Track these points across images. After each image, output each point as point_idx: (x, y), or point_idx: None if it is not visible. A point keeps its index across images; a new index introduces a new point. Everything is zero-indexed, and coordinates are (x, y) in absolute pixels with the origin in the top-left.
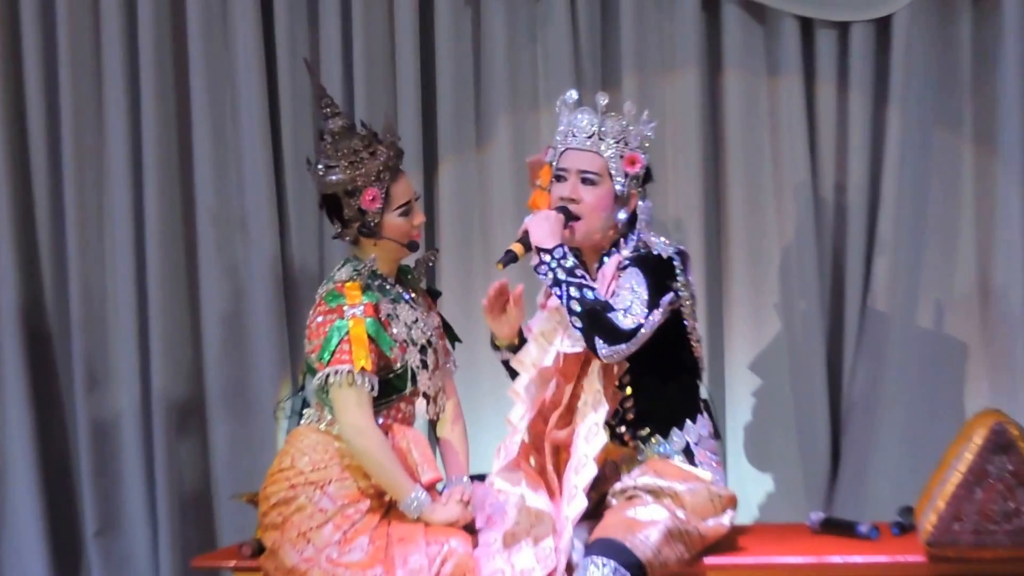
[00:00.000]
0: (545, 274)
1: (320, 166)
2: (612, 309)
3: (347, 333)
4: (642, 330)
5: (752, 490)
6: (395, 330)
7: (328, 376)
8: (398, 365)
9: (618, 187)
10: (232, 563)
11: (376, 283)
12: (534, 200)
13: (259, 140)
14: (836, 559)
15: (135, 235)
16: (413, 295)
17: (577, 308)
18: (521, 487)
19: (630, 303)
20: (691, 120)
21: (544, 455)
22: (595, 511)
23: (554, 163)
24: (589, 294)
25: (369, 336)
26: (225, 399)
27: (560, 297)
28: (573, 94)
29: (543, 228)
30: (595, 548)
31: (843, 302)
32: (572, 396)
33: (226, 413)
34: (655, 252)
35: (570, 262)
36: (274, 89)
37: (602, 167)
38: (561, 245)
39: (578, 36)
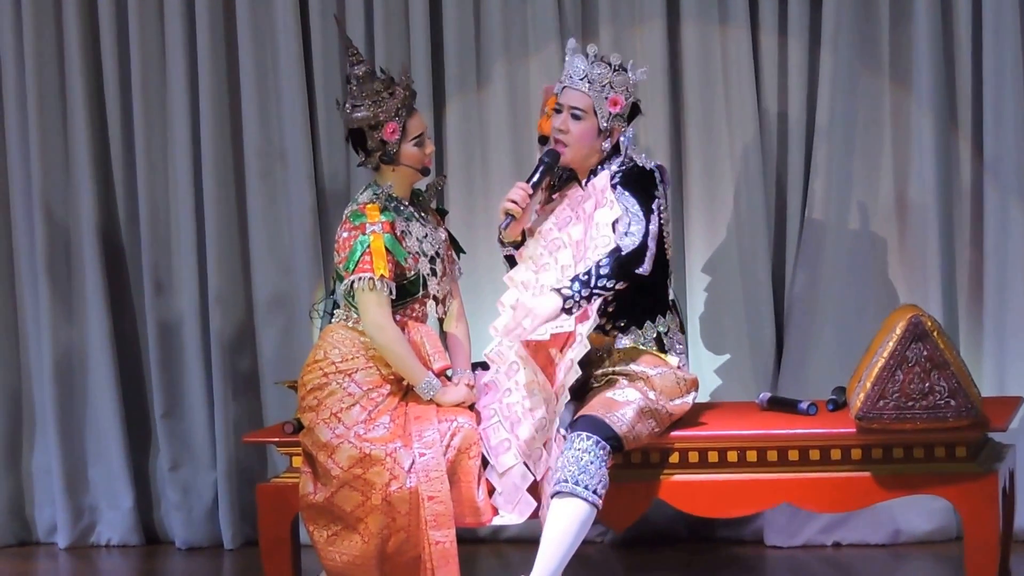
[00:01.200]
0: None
1: (347, 105)
2: (620, 249)
3: (368, 246)
4: (648, 240)
5: (710, 375)
6: (409, 243)
7: (353, 282)
8: (411, 273)
9: (602, 123)
10: (276, 439)
11: (392, 204)
12: (541, 125)
13: (295, 85)
14: (781, 431)
15: (193, 165)
16: (424, 214)
17: (612, 284)
18: (519, 360)
19: (628, 224)
20: (656, 64)
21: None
22: (579, 393)
23: (558, 96)
24: (605, 270)
25: (386, 249)
26: (269, 302)
27: (603, 297)
28: (572, 42)
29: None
30: (580, 424)
31: (785, 214)
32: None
33: (270, 314)
34: (639, 165)
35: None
36: (307, 42)
37: (588, 105)
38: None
39: None
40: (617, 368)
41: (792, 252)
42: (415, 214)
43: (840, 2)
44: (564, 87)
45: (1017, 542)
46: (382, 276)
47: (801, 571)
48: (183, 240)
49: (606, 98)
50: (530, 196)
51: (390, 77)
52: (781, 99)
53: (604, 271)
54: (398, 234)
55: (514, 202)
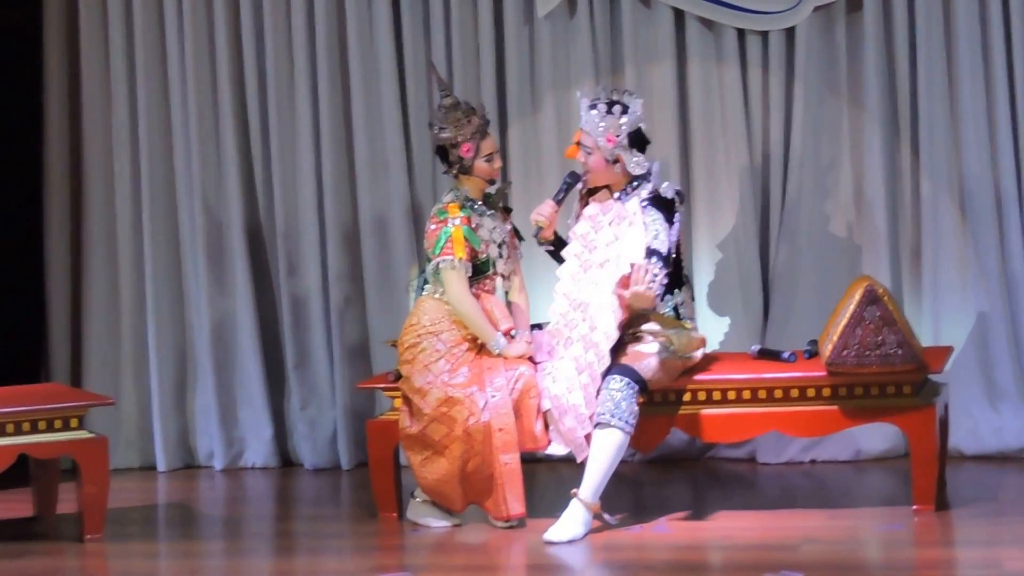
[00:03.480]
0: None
1: (435, 128)
2: (658, 251)
3: (450, 235)
4: (670, 246)
5: (713, 331)
6: (481, 233)
7: (439, 264)
8: (483, 256)
9: (606, 155)
10: (382, 385)
11: (469, 204)
12: (569, 152)
13: (394, 111)
14: (768, 375)
15: (316, 173)
16: (493, 211)
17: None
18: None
19: (656, 231)
20: (668, 95)
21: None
22: (615, 347)
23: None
24: (659, 263)
25: (464, 237)
26: (376, 279)
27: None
28: (579, 93)
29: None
30: (615, 370)
31: (768, 208)
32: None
33: (377, 288)
34: (662, 195)
35: (658, 274)
36: (402, 79)
37: (593, 143)
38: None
39: (596, 41)
40: (644, 328)
41: (775, 237)
42: (486, 211)
43: (809, 46)
44: (580, 128)
45: (950, 458)
46: (461, 259)
47: (785, 483)
48: (309, 231)
49: (603, 136)
50: (556, 208)
51: (470, 107)
52: (764, 121)
53: (659, 263)
54: (473, 226)
55: (541, 215)
